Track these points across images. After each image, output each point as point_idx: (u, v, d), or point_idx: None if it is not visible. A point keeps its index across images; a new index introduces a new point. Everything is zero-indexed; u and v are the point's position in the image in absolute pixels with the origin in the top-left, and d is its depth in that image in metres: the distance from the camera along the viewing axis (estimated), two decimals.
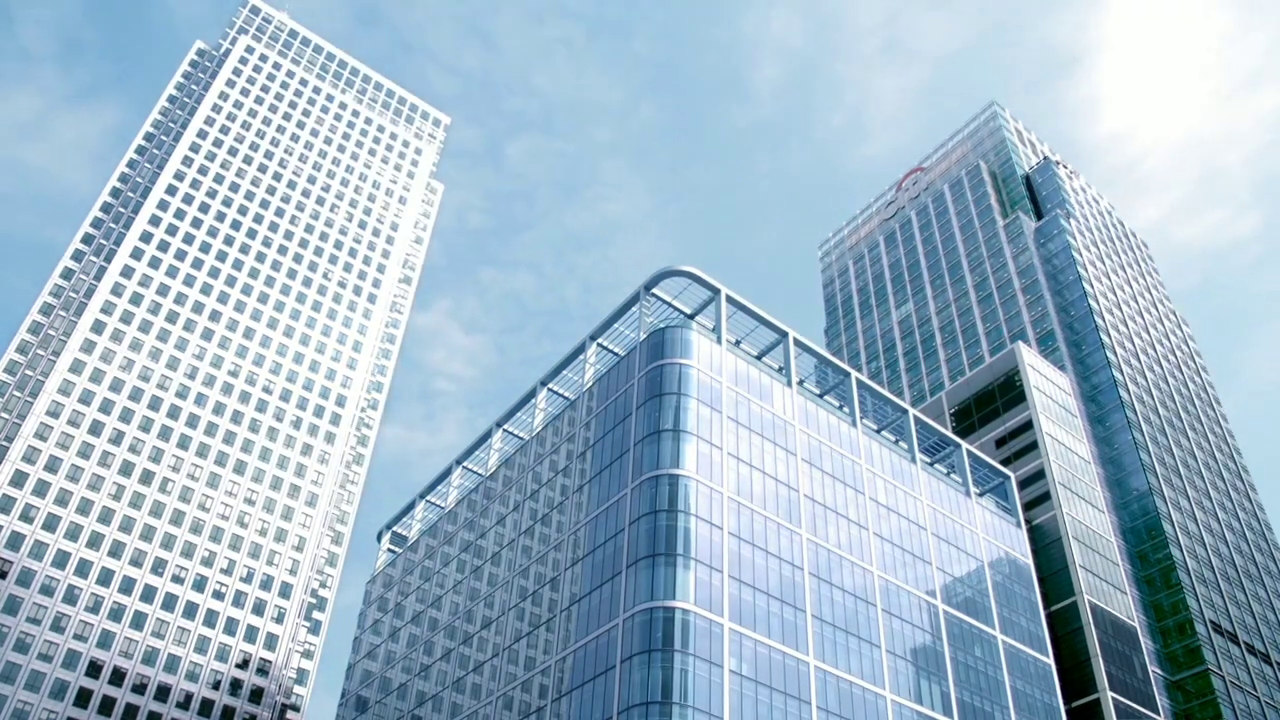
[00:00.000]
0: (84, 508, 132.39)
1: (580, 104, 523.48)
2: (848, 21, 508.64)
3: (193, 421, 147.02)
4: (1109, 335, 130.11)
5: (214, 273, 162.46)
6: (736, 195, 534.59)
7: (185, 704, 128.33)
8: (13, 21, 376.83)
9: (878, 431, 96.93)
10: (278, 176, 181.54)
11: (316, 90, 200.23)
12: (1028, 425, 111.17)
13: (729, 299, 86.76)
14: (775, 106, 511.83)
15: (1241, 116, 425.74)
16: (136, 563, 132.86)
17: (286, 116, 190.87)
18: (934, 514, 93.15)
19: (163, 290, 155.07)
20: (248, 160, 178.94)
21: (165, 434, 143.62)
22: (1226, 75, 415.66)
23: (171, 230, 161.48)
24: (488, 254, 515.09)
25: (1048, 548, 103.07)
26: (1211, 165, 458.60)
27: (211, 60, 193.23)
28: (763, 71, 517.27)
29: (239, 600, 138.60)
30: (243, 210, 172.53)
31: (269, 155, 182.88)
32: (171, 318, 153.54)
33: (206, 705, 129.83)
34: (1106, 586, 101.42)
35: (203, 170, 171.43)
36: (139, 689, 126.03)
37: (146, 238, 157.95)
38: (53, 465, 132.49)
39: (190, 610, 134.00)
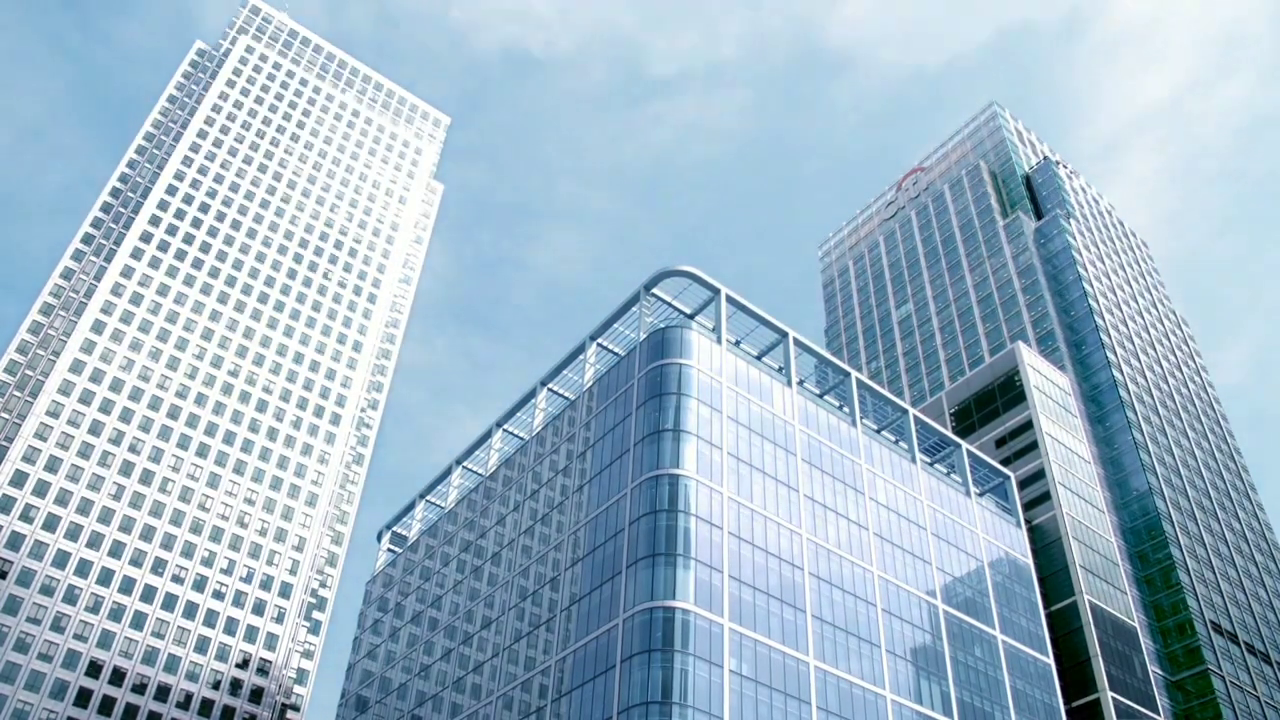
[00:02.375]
0: (84, 508, 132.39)
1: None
2: None
3: (193, 421, 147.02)
4: (1109, 335, 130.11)
5: (214, 273, 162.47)
6: None
7: (185, 704, 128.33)
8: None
9: (878, 431, 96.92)
10: (278, 176, 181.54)
11: (316, 90, 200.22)
12: (1028, 425, 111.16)
13: (729, 299, 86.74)
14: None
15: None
16: (136, 563, 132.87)
17: (286, 116, 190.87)
18: (934, 514, 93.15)
19: (163, 290, 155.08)
20: (248, 160, 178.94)
21: (165, 434, 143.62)
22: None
23: (171, 230, 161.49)
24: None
25: (1048, 548, 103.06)
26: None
27: (211, 60, 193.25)
28: None
29: (239, 600, 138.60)
30: (243, 210, 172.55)
31: (269, 155, 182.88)
32: (171, 318, 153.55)
33: (206, 705, 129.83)
34: (1106, 586, 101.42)
35: (203, 170, 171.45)
36: (139, 689, 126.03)
37: (146, 238, 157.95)
38: (53, 465, 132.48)
39: (190, 610, 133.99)
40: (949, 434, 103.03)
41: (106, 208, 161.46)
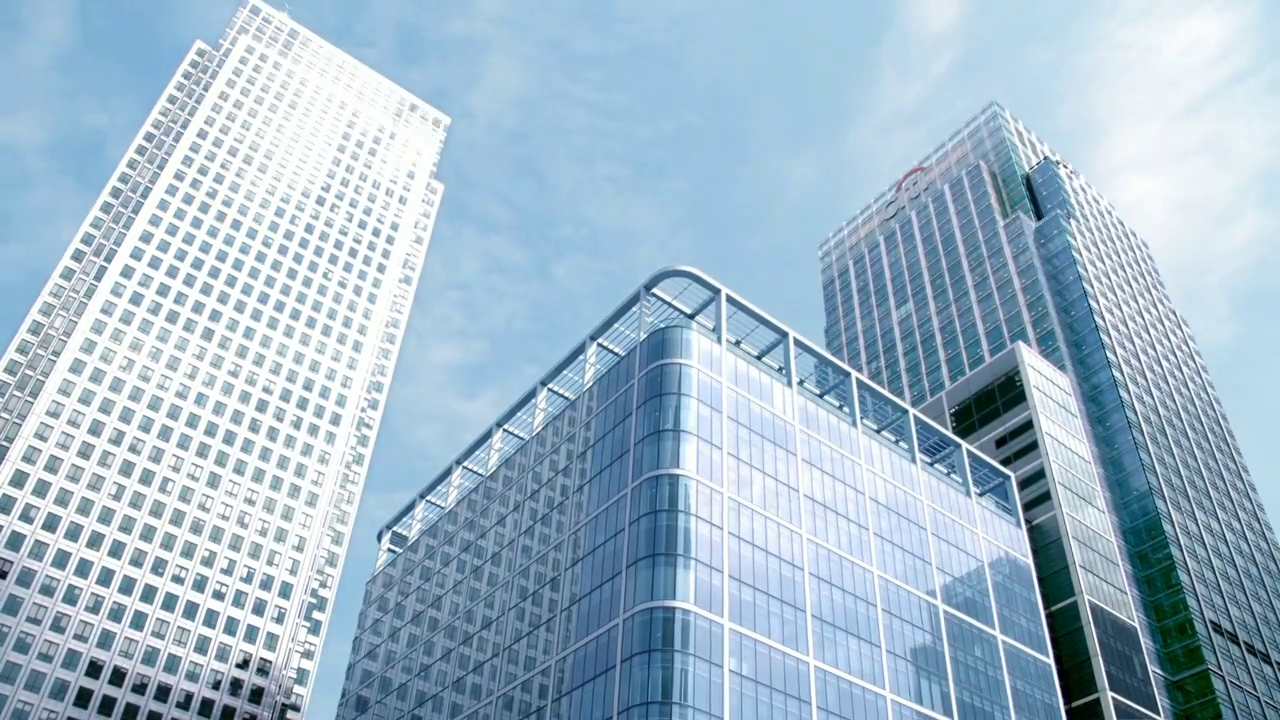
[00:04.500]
0: (84, 508, 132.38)
1: (624, 231, 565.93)
2: (861, 164, 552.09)
3: (193, 421, 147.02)
4: (1109, 335, 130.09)
5: (214, 273, 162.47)
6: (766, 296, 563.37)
7: (185, 704, 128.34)
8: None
9: (878, 431, 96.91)
10: (278, 176, 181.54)
11: (317, 90, 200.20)
12: (1028, 425, 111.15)
13: (729, 299, 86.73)
14: (797, 231, 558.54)
15: (1216, 246, 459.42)
16: (136, 563, 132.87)
17: (287, 116, 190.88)
18: (934, 514, 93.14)
19: (163, 290, 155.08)
20: (248, 160, 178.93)
21: (165, 434, 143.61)
22: (1201, 213, 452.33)
23: (171, 230, 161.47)
24: (532, 354, 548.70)
25: (1048, 548, 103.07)
26: (1192, 285, 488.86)
27: (211, 60, 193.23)
28: (785, 203, 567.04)
29: (239, 600, 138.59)
30: (243, 210, 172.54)
31: (269, 155, 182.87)
32: (171, 318, 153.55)
33: (206, 705, 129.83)
34: (1106, 586, 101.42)
35: (203, 170, 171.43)
36: (139, 689, 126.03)
37: (146, 238, 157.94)
38: (53, 465, 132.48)
39: (190, 610, 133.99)
40: (949, 434, 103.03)
41: (106, 207, 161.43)
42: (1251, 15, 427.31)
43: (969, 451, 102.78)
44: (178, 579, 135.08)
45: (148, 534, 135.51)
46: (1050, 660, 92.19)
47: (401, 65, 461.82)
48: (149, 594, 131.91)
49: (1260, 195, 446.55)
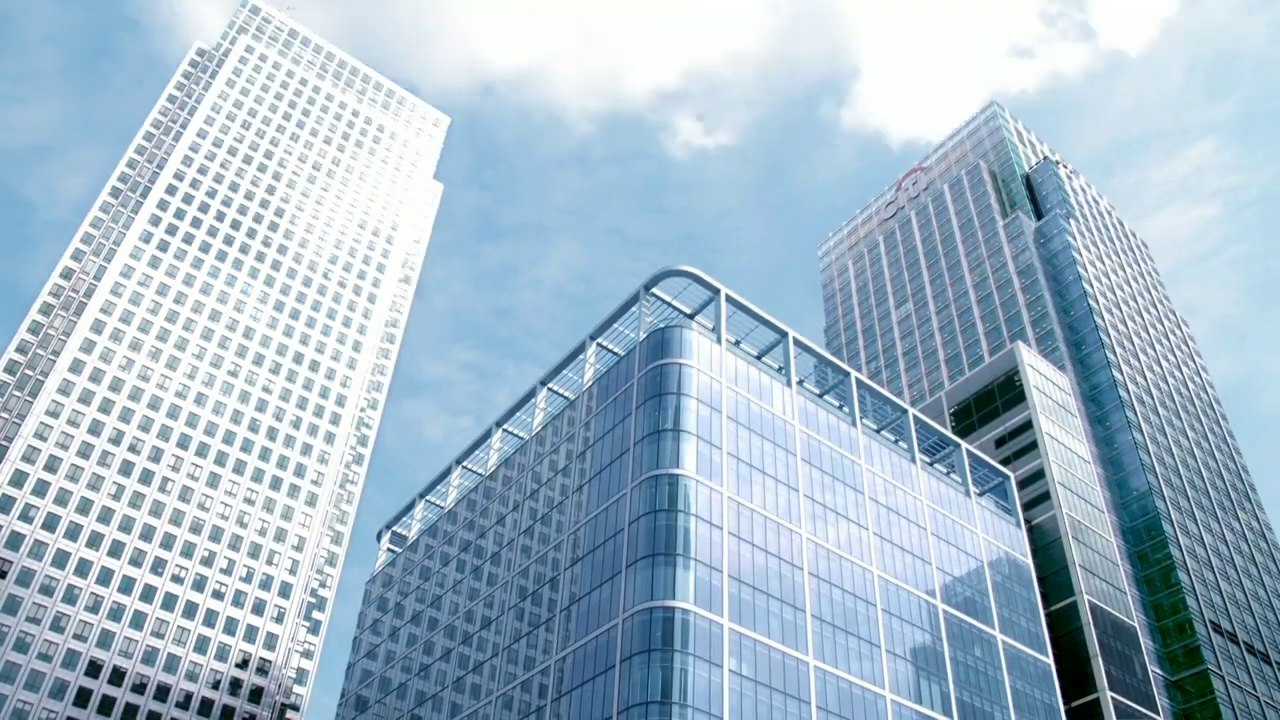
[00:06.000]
0: (84, 508, 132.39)
1: None
2: None
3: (193, 421, 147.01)
4: (1109, 335, 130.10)
5: (214, 273, 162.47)
6: None
7: (185, 704, 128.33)
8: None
9: (878, 431, 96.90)
10: (278, 176, 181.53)
11: (316, 90, 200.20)
12: (1027, 425, 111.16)
13: (729, 299, 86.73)
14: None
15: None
16: (136, 563, 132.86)
17: (286, 116, 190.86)
18: (934, 514, 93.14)
19: (163, 290, 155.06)
20: (248, 160, 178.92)
21: (165, 434, 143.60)
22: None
23: (171, 230, 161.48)
24: None
25: (1048, 548, 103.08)
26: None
27: (211, 60, 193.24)
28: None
29: (239, 600, 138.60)
30: (243, 210, 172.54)
31: (269, 155, 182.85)
32: (171, 318, 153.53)
33: (206, 705, 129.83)
34: (1106, 586, 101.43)
35: (203, 170, 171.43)
36: (139, 689, 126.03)
37: (146, 238, 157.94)
38: (53, 465, 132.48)
39: (190, 610, 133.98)
40: (949, 434, 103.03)
41: (106, 207, 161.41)
42: (1215, 212, 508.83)
43: (969, 451, 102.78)
44: (177, 579, 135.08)
45: (147, 534, 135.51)
46: (1050, 660, 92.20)
47: (476, 241, 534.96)
48: (148, 594, 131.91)
49: (1227, 345, 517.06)
